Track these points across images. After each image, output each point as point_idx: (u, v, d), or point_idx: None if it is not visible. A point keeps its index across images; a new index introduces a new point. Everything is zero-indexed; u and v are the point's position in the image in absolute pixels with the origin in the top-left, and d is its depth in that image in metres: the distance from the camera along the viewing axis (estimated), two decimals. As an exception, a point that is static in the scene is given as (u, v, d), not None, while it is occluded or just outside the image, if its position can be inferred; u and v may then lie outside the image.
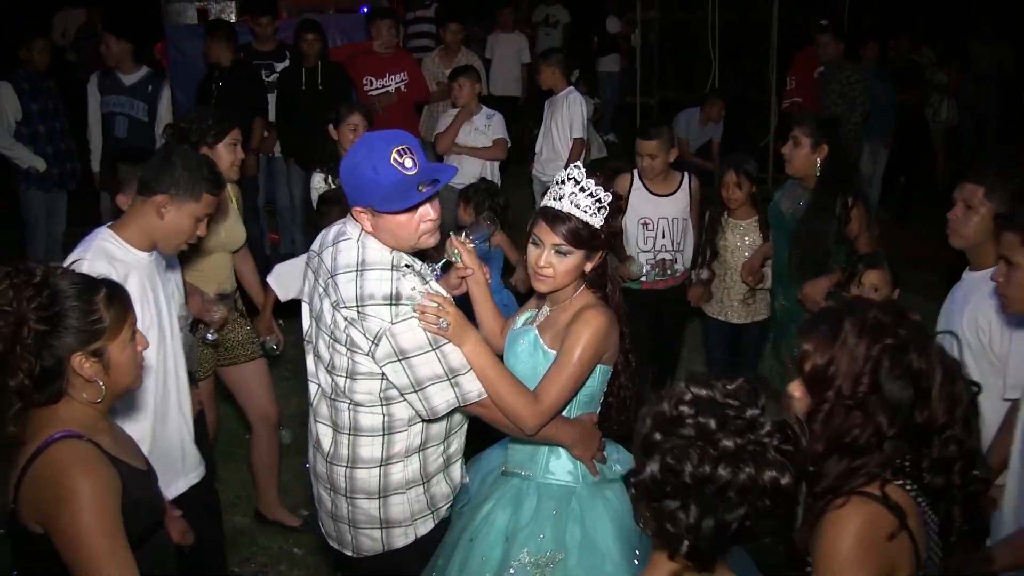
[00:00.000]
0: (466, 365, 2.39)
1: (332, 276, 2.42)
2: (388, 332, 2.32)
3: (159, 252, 2.87)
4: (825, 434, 1.81)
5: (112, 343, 1.98)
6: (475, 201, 4.58)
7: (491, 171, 6.22)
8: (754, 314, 4.67)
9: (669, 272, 4.77)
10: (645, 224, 4.71)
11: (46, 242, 6.40)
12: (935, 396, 1.80)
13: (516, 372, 2.52)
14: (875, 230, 4.10)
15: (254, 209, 6.85)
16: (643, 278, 4.71)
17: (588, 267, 2.51)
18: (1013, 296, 2.54)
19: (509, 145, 6.31)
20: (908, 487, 1.81)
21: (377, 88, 6.77)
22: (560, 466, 2.59)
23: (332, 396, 2.50)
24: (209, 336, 3.71)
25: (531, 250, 2.51)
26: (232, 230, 3.86)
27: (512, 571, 2.41)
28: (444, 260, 2.67)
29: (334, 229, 2.54)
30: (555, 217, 2.44)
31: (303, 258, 4.18)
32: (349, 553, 2.62)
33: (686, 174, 4.83)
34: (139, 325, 2.63)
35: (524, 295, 3.03)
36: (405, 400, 2.42)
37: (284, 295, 4.21)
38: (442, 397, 2.39)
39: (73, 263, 2.60)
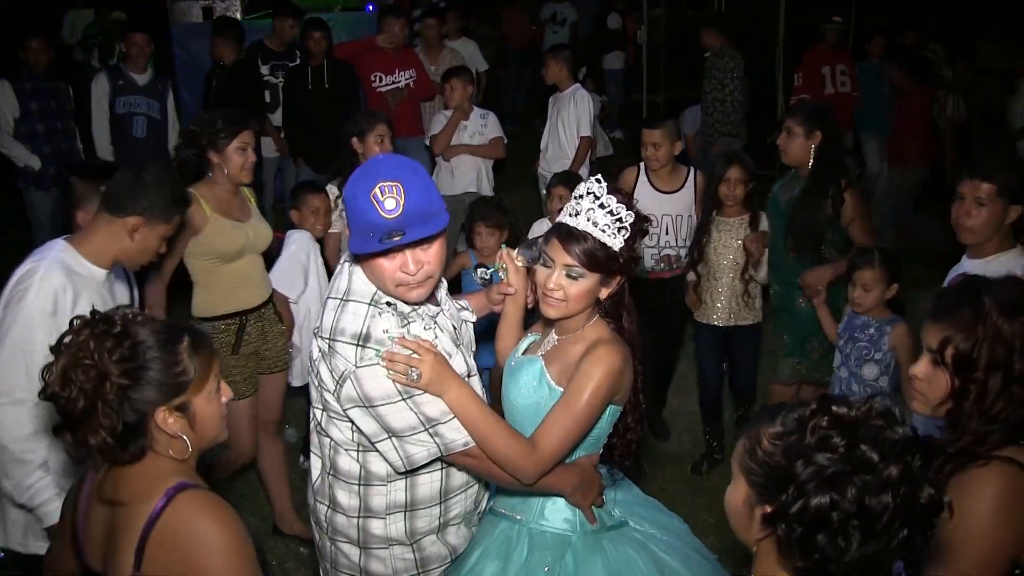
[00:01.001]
0: (447, 413, 2.13)
1: (326, 299, 2.25)
2: (352, 375, 2.09)
3: (117, 267, 2.83)
4: (980, 412, 1.86)
5: (197, 396, 1.81)
6: (494, 219, 4.57)
7: (486, 170, 6.19)
8: (739, 317, 4.53)
9: (676, 265, 4.74)
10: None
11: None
12: None
13: (516, 406, 2.34)
14: (871, 219, 4.13)
15: (260, 208, 6.84)
16: (650, 269, 4.69)
17: (604, 294, 2.25)
18: (972, 229, 2.88)
19: (506, 142, 6.28)
20: None
21: (387, 84, 6.74)
22: (556, 512, 2.34)
23: (318, 428, 2.31)
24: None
25: (540, 271, 2.25)
26: (258, 230, 3.77)
27: None
28: (493, 269, 2.53)
29: None
30: (569, 235, 2.18)
31: (293, 253, 4.24)
32: None
33: (692, 169, 4.77)
34: None
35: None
36: (376, 449, 2.18)
37: (294, 294, 4.20)
38: (419, 447, 2.14)
39: (26, 271, 2.59)
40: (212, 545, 1.72)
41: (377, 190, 2.01)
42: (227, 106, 6.50)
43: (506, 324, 2.56)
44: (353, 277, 2.20)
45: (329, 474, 2.31)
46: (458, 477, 2.34)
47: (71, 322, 1.76)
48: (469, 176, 6.10)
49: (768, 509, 1.45)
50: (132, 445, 1.74)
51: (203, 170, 3.61)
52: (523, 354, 2.42)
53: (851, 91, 7.71)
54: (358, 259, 2.17)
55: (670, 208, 4.64)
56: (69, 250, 2.68)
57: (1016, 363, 1.83)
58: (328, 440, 2.28)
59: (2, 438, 2.57)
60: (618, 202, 2.18)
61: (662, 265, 4.72)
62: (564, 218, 2.23)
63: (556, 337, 2.36)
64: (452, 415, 2.14)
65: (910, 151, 7.25)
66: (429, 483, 2.29)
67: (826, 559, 1.38)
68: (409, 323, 2.16)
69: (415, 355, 2.08)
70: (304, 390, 4.26)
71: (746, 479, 1.50)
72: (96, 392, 1.69)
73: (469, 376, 2.31)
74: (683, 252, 4.69)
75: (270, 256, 4.25)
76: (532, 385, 2.32)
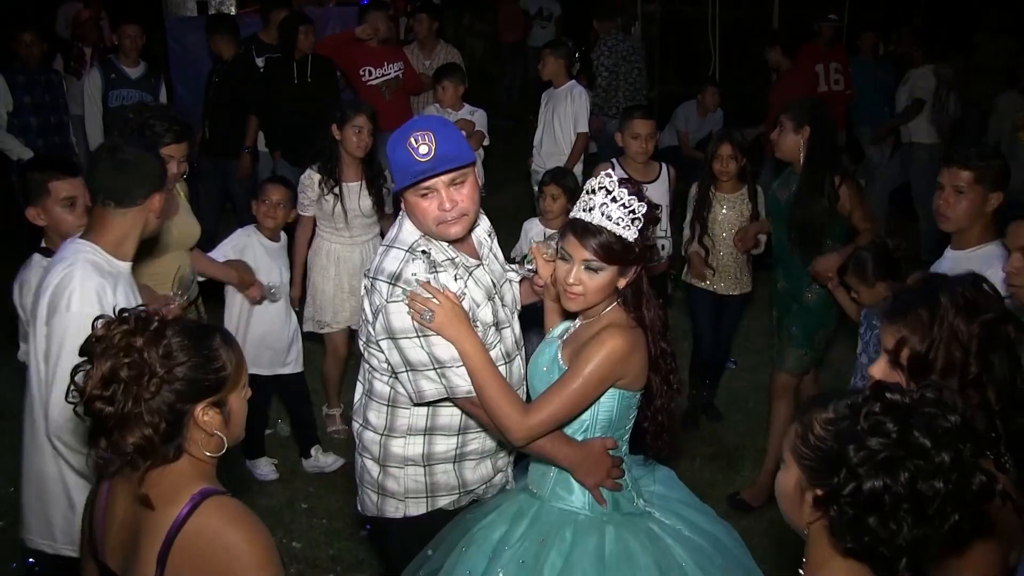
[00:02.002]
0: (457, 360, 2.37)
1: (380, 246, 2.56)
2: (384, 309, 2.38)
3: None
4: None
5: (232, 392, 1.80)
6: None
7: (478, 168, 6.18)
8: (741, 287, 4.84)
9: (656, 258, 4.77)
10: None
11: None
12: None
13: (535, 386, 2.48)
14: (869, 207, 4.22)
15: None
16: None
17: (622, 283, 2.35)
18: (952, 217, 2.86)
19: (487, 143, 6.26)
20: (1004, 460, 1.83)
21: (377, 77, 6.74)
22: (569, 491, 2.44)
23: (363, 356, 2.61)
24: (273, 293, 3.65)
25: (560, 265, 2.37)
26: (185, 226, 3.73)
27: None
28: (530, 264, 2.69)
29: None
30: (585, 230, 2.28)
31: (222, 245, 4.32)
32: (359, 508, 2.71)
33: (663, 164, 4.92)
34: None
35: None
36: (397, 378, 2.47)
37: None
38: (429, 384, 2.41)
39: (61, 279, 2.51)
40: (242, 558, 1.69)
41: (412, 139, 2.34)
42: (226, 101, 6.58)
43: (548, 313, 2.70)
44: (403, 226, 2.49)
45: (366, 395, 2.61)
46: None
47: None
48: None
49: (819, 492, 1.48)
50: (171, 444, 1.72)
51: None
52: (551, 339, 2.57)
53: (844, 89, 7.70)
54: (402, 202, 2.45)
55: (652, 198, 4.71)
56: (95, 249, 2.62)
57: (972, 366, 1.80)
58: (367, 366, 2.58)
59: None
60: (630, 194, 2.27)
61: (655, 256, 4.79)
62: (577, 213, 2.33)
63: (580, 322, 2.49)
64: (460, 362, 2.36)
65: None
66: (450, 415, 2.54)
67: (877, 541, 1.41)
68: (438, 271, 2.41)
69: (433, 299, 2.32)
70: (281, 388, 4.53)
71: (798, 463, 1.53)
72: (141, 390, 1.66)
73: (500, 328, 2.56)
74: (666, 243, 4.85)
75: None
76: (547, 366, 2.47)
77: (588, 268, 2.30)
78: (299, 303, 4.76)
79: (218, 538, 1.70)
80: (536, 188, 4.94)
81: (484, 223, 2.69)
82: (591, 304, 2.38)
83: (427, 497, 2.59)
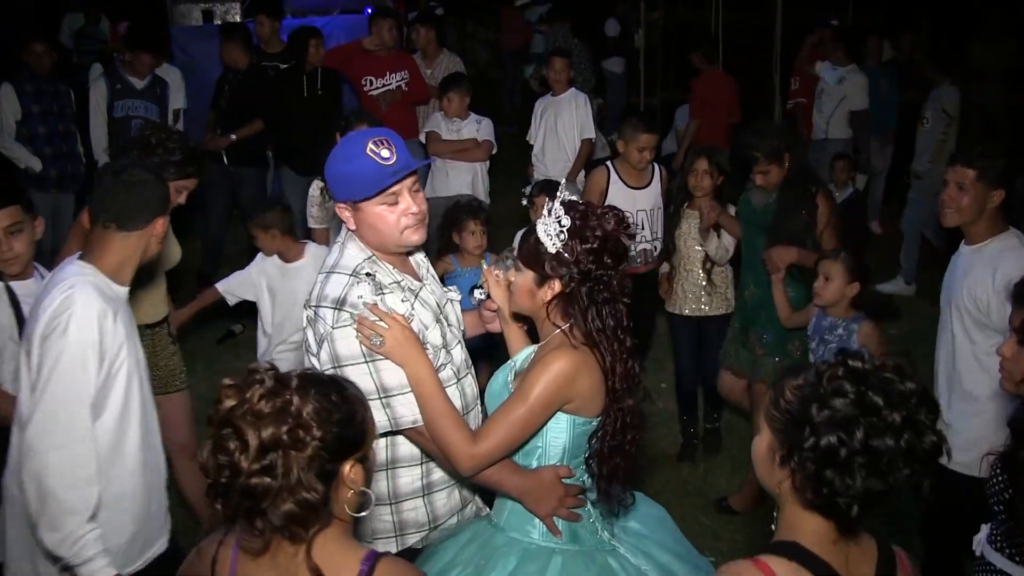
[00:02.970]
0: (405, 387, 2.28)
1: (318, 275, 2.44)
2: (329, 336, 2.29)
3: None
4: None
5: (370, 445, 1.70)
6: (483, 216, 4.67)
7: (482, 173, 6.20)
8: (712, 308, 4.70)
9: (650, 259, 4.88)
10: None
11: (52, 244, 6.43)
12: None
13: (489, 409, 2.41)
14: (839, 223, 4.27)
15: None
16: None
17: (542, 294, 2.30)
18: (955, 212, 3.10)
19: (495, 151, 6.27)
20: None
21: (378, 87, 6.77)
22: (526, 519, 2.36)
23: None
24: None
25: None
26: (168, 249, 3.65)
27: None
28: (484, 289, 2.63)
29: None
30: (527, 231, 2.35)
31: (248, 269, 4.37)
32: None
33: (655, 165, 4.91)
34: (119, 363, 2.48)
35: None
36: None
37: (232, 300, 4.44)
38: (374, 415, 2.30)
39: (61, 301, 2.40)
40: None
41: (372, 144, 2.28)
42: (240, 110, 6.62)
43: (512, 342, 2.60)
44: (344, 252, 2.40)
45: None
46: None
47: (222, 387, 1.57)
48: (464, 178, 6.10)
49: (784, 452, 1.61)
50: (324, 510, 1.59)
51: None
52: (511, 362, 2.48)
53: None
54: (351, 220, 2.38)
55: (643, 203, 4.77)
56: (94, 272, 2.51)
57: None
58: None
59: (55, 486, 2.33)
60: (564, 209, 2.24)
61: (639, 260, 4.84)
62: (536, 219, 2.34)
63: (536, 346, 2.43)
64: (407, 390, 2.28)
65: (702, 132, 7.63)
66: (410, 444, 2.42)
67: (834, 493, 1.53)
68: (384, 294, 2.33)
69: (382, 323, 2.24)
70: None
71: (769, 427, 1.65)
72: (300, 455, 1.53)
73: (449, 348, 2.47)
74: (658, 245, 4.86)
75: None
76: (498, 391, 2.42)
77: (516, 267, 2.37)
78: None
79: None
80: (524, 201, 4.93)
81: None
82: (520, 308, 2.41)
83: (396, 536, 2.49)
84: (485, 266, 2.61)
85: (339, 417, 1.59)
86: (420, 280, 2.52)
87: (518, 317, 2.56)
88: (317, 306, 2.33)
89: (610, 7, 12.11)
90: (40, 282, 2.99)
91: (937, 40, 9.58)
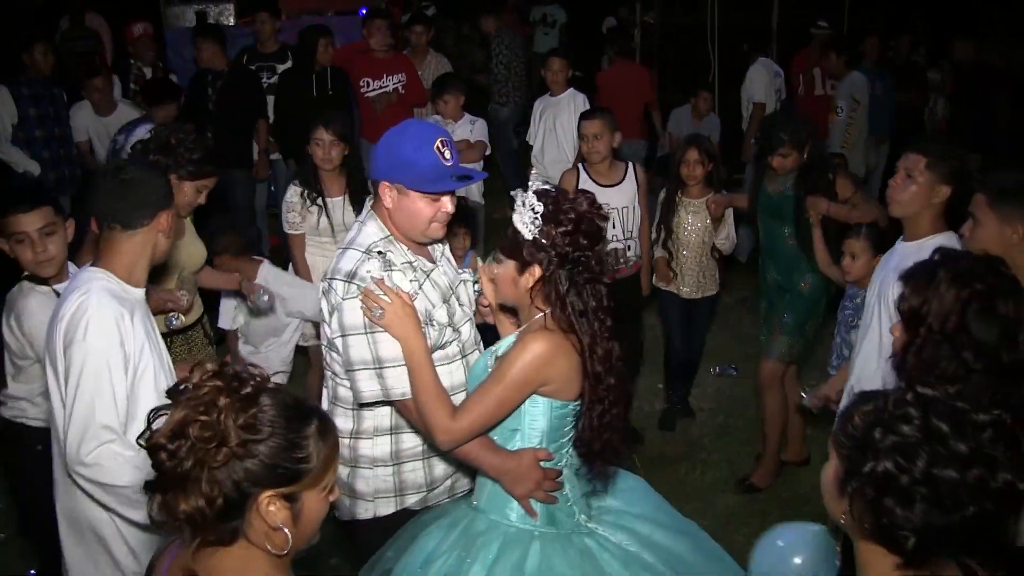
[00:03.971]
0: (399, 360, 2.43)
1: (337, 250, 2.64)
2: (339, 306, 2.47)
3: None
4: (917, 364, 2.13)
5: (310, 489, 1.57)
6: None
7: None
8: (704, 290, 4.93)
9: (623, 261, 4.85)
10: None
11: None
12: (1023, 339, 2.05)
13: (470, 391, 2.48)
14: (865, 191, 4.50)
15: (251, 208, 6.87)
16: None
17: (526, 282, 2.37)
18: (898, 200, 3.08)
19: (488, 152, 6.28)
20: None
21: (374, 89, 6.77)
22: (504, 502, 2.44)
23: (325, 362, 2.67)
24: (174, 321, 3.61)
25: None
26: (190, 250, 3.73)
27: None
28: (479, 287, 2.76)
29: None
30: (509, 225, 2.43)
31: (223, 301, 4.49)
32: (335, 513, 2.69)
33: (630, 163, 4.91)
34: (143, 366, 2.50)
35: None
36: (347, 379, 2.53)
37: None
38: (367, 385, 2.48)
39: (75, 308, 2.42)
40: None
41: (439, 143, 2.47)
42: (229, 112, 6.59)
43: (502, 331, 2.70)
44: (363, 230, 2.59)
45: (331, 401, 2.66)
46: None
47: (192, 368, 1.56)
48: (461, 181, 6.10)
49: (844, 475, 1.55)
50: (226, 524, 1.52)
51: None
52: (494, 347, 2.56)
53: (838, 94, 7.77)
54: (385, 199, 2.53)
55: (614, 201, 4.72)
56: (107, 275, 2.53)
57: (950, 323, 2.09)
58: (329, 372, 2.65)
59: (117, 481, 2.40)
60: (535, 196, 2.32)
61: (610, 259, 4.79)
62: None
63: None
64: (401, 363, 2.43)
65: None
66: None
67: (893, 524, 1.46)
68: (392, 271, 2.49)
69: (385, 298, 2.40)
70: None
71: (837, 453, 1.58)
72: (207, 455, 1.47)
73: (457, 326, 2.65)
74: (631, 244, 4.85)
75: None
76: (479, 374, 2.49)
77: (495, 259, 2.47)
78: None
79: None
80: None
81: None
82: (503, 298, 2.50)
83: (396, 496, 2.66)
84: (481, 264, 2.75)
85: (268, 441, 1.50)
86: (433, 262, 2.68)
87: (507, 309, 2.65)
88: (331, 278, 2.51)
89: (606, 7, 12.12)
90: None
91: (934, 41, 9.58)
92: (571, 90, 6.36)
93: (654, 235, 4.91)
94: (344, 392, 2.60)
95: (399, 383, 2.45)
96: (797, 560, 2.19)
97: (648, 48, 9.51)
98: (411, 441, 2.63)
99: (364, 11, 8.17)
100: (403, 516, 2.65)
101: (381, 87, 6.77)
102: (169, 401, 1.53)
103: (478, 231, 5.08)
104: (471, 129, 6.15)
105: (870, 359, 3.11)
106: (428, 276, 2.62)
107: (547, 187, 2.38)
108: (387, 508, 2.66)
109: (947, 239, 3.06)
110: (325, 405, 2.70)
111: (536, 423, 2.40)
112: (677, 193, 4.81)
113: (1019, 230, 2.72)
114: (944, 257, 2.20)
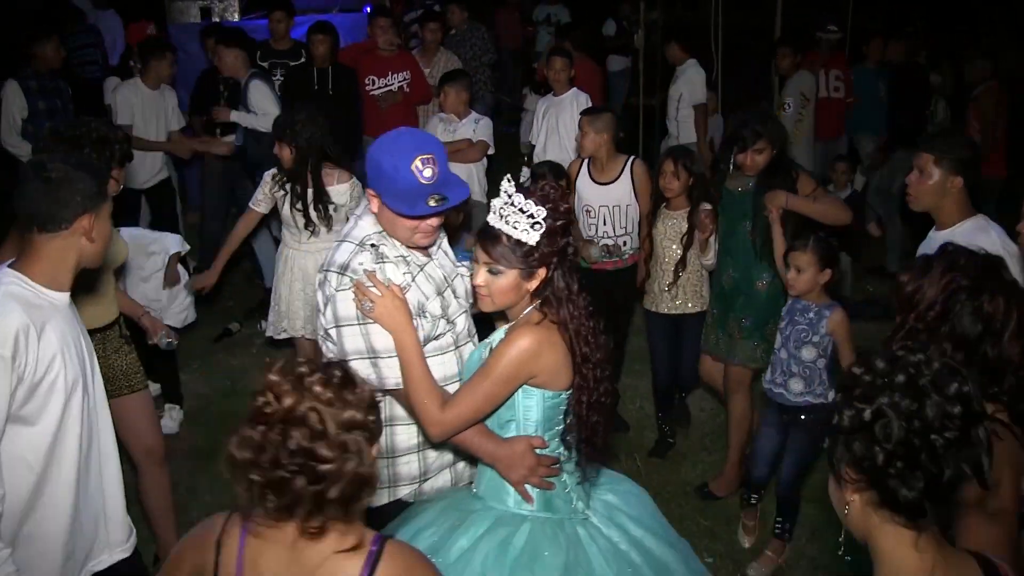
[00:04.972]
0: (391, 351, 2.48)
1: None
2: (333, 298, 2.51)
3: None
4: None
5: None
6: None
7: (478, 175, 6.20)
8: (683, 306, 4.71)
9: (616, 255, 4.87)
10: (587, 211, 4.87)
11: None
12: (1008, 338, 2.12)
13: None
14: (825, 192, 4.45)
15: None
16: (594, 260, 4.83)
17: (531, 285, 2.38)
18: (916, 196, 3.29)
19: (491, 151, 6.28)
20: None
21: (380, 87, 6.78)
22: (502, 488, 2.49)
23: (323, 351, 2.66)
24: (166, 342, 3.71)
25: (474, 268, 2.44)
26: (113, 246, 3.51)
27: None
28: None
29: None
30: (486, 234, 2.36)
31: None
32: None
33: (630, 158, 4.89)
34: (60, 380, 2.34)
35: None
36: None
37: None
38: (361, 374, 2.45)
39: None
40: None
41: (418, 160, 2.42)
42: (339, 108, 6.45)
43: (496, 317, 2.68)
44: (358, 224, 2.62)
45: None
46: None
47: (273, 382, 1.63)
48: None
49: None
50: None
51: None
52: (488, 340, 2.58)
53: (844, 96, 7.78)
54: (382, 207, 2.52)
55: (607, 199, 4.78)
56: (20, 279, 2.33)
57: (932, 314, 2.16)
58: None
59: None
60: (529, 199, 2.29)
61: (603, 253, 4.86)
62: (488, 218, 2.38)
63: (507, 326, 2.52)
64: (394, 354, 2.47)
65: None
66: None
67: (875, 467, 1.52)
68: (384, 264, 2.53)
69: (375, 290, 2.44)
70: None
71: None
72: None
73: (452, 318, 2.69)
74: (623, 240, 4.86)
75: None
76: (473, 365, 2.52)
77: (490, 271, 2.37)
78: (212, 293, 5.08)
79: None
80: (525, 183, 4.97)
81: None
82: (501, 305, 2.43)
83: (388, 487, 2.69)
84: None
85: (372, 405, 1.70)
86: (428, 256, 2.70)
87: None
88: (326, 270, 2.56)
89: (610, 7, 12.13)
90: None
91: (936, 43, 9.60)
92: (574, 90, 6.35)
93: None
94: None
95: (392, 373, 2.49)
96: None
97: (651, 47, 9.53)
98: (405, 433, 2.67)
99: (368, 9, 8.19)
100: (396, 506, 2.69)
101: (386, 85, 6.78)
102: None
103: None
104: (475, 128, 6.15)
105: None
106: (422, 269, 2.64)
107: (521, 184, 2.39)
108: (379, 499, 2.68)
109: (975, 223, 3.23)
110: None
111: (530, 413, 2.45)
112: (660, 205, 4.70)
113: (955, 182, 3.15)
114: (945, 250, 2.28)
